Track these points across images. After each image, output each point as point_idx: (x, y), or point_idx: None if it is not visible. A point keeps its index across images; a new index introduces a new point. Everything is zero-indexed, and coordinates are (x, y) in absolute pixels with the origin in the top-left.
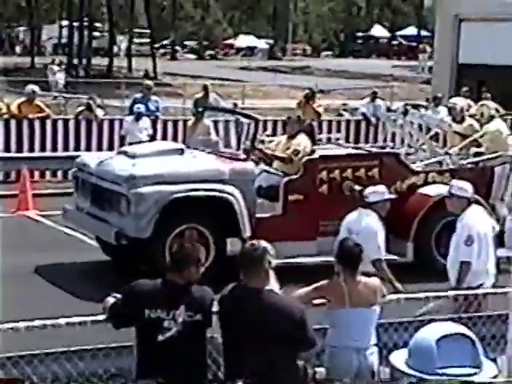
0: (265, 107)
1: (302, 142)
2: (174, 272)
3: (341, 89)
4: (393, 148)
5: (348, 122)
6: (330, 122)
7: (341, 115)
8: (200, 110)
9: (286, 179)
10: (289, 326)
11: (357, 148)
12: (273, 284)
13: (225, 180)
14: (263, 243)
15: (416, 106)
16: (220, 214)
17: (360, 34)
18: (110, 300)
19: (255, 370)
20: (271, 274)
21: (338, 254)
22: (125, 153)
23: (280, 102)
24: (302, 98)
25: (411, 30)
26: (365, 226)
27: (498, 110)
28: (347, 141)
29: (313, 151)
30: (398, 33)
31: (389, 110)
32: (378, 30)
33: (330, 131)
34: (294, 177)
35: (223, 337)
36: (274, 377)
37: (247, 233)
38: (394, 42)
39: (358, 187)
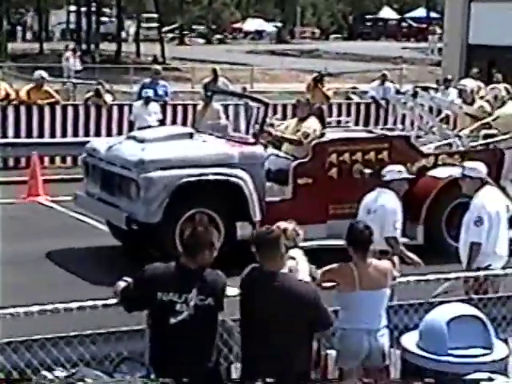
0: (273, 91)
1: (312, 124)
2: (188, 256)
3: (350, 72)
4: (403, 131)
5: (358, 105)
6: (339, 105)
7: (350, 98)
8: (209, 94)
9: (295, 163)
10: (302, 308)
11: (366, 131)
12: (303, 266)
13: (234, 164)
14: (290, 226)
15: (426, 88)
16: (230, 198)
17: (369, 16)
18: (121, 284)
19: (271, 353)
20: (300, 255)
21: (349, 236)
22: (134, 137)
23: (289, 86)
24: (310, 82)
25: (420, 12)
26: (382, 204)
27: (508, 91)
28: (357, 124)
29: (322, 134)
30: (407, 15)
31: (398, 92)
32: (387, 12)
33: (339, 114)
34: (304, 160)
35: (241, 320)
36: (289, 358)
37: (257, 217)
38: (404, 24)
39: (367, 170)
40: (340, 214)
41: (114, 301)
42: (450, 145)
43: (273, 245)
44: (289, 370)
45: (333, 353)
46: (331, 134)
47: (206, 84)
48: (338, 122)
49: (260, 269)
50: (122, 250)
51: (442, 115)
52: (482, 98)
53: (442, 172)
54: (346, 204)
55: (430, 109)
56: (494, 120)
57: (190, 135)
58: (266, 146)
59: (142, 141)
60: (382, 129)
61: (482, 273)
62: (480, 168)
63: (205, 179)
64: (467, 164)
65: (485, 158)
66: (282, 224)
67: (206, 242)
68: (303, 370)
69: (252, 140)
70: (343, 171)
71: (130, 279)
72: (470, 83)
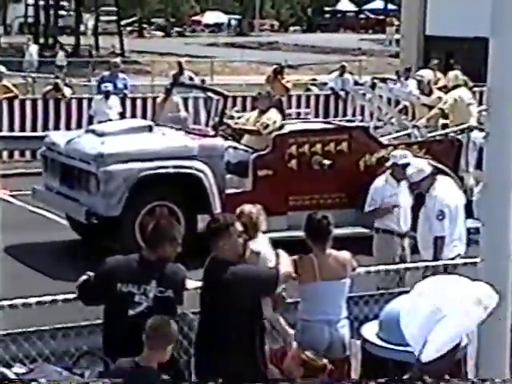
0: (233, 83)
1: (273, 116)
2: (149, 248)
3: (309, 64)
4: (362, 122)
5: (317, 96)
6: (299, 96)
7: (309, 90)
8: (169, 87)
9: (255, 155)
10: (260, 289)
11: (326, 122)
12: (267, 251)
13: (194, 156)
14: (253, 209)
15: (384, 80)
16: (190, 191)
17: (327, 8)
18: (83, 277)
19: (225, 342)
20: (264, 239)
21: (307, 227)
22: (93, 131)
23: (249, 78)
24: (270, 74)
25: (378, 4)
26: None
27: (466, 83)
28: (316, 115)
29: (282, 126)
30: (365, 6)
31: (357, 83)
32: (345, 5)
33: (299, 106)
34: (264, 152)
35: (200, 311)
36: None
37: (217, 209)
38: (362, 16)
39: (327, 161)
40: (300, 205)
41: (73, 295)
42: (408, 135)
43: (223, 232)
44: (247, 358)
45: (294, 344)
46: (291, 126)
47: (174, 76)
48: (298, 113)
49: (212, 258)
50: (82, 244)
51: (401, 106)
52: (440, 88)
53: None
54: (306, 195)
55: (389, 100)
56: (445, 103)
57: (150, 128)
58: (226, 138)
59: (101, 134)
60: (341, 120)
61: (441, 262)
62: (423, 167)
63: (165, 172)
64: (411, 168)
65: (443, 148)
66: (246, 207)
67: (168, 235)
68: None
69: (212, 132)
70: (303, 163)
71: (91, 273)
72: (427, 74)
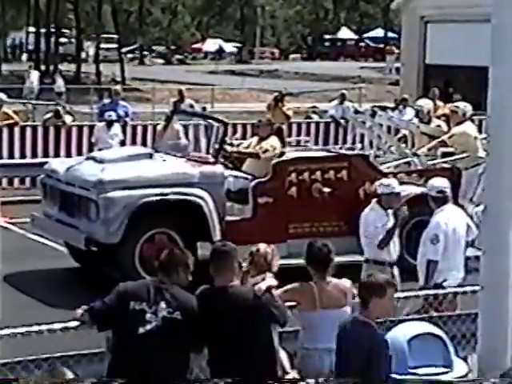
0: (234, 111)
1: (273, 143)
2: (162, 274)
3: (309, 91)
4: (361, 150)
5: (317, 124)
6: (299, 124)
7: (310, 118)
8: (169, 114)
9: (255, 182)
10: (256, 311)
11: (326, 150)
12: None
13: (194, 183)
14: (268, 249)
15: (384, 108)
16: (190, 218)
17: (327, 36)
18: (79, 311)
19: (234, 366)
20: (272, 280)
21: (308, 255)
22: (93, 158)
23: (249, 106)
24: (271, 101)
25: (378, 32)
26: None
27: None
28: (316, 143)
29: (282, 153)
30: (365, 35)
31: (357, 111)
32: (345, 33)
33: (299, 134)
34: (264, 179)
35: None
36: (256, 363)
37: (217, 236)
38: (362, 44)
39: (326, 189)
40: (300, 232)
41: (73, 324)
42: (408, 163)
43: (223, 257)
44: (257, 374)
45: (294, 372)
46: (291, 154)
47: (174, 103)
48: (298, 141)
49: (211, 285)
50: (81, 272)
51: (400, 134)
52: (439, 117)
53: (400, 190)
54: (306, 223)
55: (389, 128)
56: (449, 138)
57: (150, 155)
58: (226, 166)
59: (101, 161)
60: (340, 148)
61: (441, 291)
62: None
63: (165, 199)
64: (431, 182)
65: (442, 176)
66: (261, 245)
67: (182, 262)
68: (271, 370)
69: (212, 159)
70: (303, 190)
71: (85, 307)
72: (426, 103)
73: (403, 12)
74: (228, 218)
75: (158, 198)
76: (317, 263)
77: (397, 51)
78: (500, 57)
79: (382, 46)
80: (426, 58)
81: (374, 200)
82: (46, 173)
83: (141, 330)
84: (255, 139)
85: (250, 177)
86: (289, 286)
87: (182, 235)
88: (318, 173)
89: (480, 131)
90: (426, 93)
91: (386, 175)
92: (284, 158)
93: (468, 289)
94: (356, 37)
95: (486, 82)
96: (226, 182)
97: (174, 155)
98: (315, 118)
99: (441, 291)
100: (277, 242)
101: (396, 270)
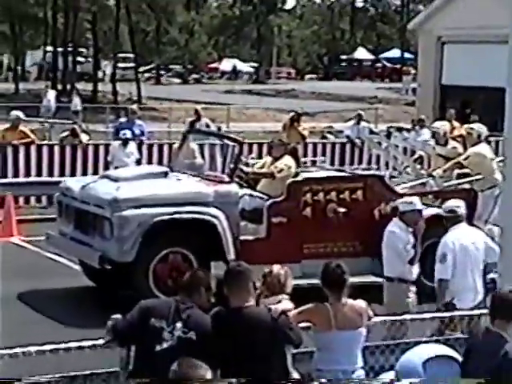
0: (250, 130)
1: (287, 162)
2: (184, 295)
3: (325, 111)
4: (377, 170)
5: (333, 144)
6: (314, 144)
7: (325, 138)
8: (185, 133)
9: (269, 202)
10: (270, 333)
11: (341, 170)
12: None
13: (208, 202)
14: (281, 271)
15: (399, 129)
16: (204, 237)
17: (344, 56)
18: (110, 322)
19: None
20: (287, 302)
21: (323, 276)
22: (108, 176)
23: (265, 125)
24: (287, 121)
25: (395, 53)
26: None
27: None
28: (332, 163)
29: (297, 174)
30: (382, 55)
31: (372, 132)
32: (362, 53)
33: (315, 154)
34: (278, 199)
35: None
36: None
37: (231, 256)
38: (378, 65)
39: (342, 209)
40: (315, 253)
41: (89, 343)
42: (423, 184)
43: (238, 278)
44: None
45: None
46: (306, 174)
47: (191, 123)
48: (313, 161)
49: (226, 306)
50: (94, 290)
51: (416, 155)
52: (454, 138)
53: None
54: (320, 243)
55: (405, 149)
56: (465, 159)
57: (165, 174)
58: (241, 185)
59: (116, 180)
60: (356, 168)
61: (457, 313)
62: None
63: (179, 218)
64: (447, 203)
65: (458, 198)
66: (275, 267)
67: (204, 283)
68: None
69: (227, 179)
70: (317, 210)
71: (119, 316)
72: (442, 125)
73: (420, 33)
74: (242, 238)
75: (173, 216)
76: (332, 284)
77: (413, 72)
78: None
79: (398, 66)
80: (442, 78)
81: (396, 219)
82: (62, 191)
83: (157, 348)
84: (269, 159)
85: (265, 196)
86: (304, 307)
87: (196, 254)
88: (333, 193)
89: (497, 152)
90: (443, 113)
91: (401, 196)
92: (299, 178)
93: (484, 311)
94: (372, 57)
95: (502, 103)
96: (241, 202)
97: (189, 174)
98: (331, 138)
99: (457, 313)
100: (291, 262)
101: (414, 289)
